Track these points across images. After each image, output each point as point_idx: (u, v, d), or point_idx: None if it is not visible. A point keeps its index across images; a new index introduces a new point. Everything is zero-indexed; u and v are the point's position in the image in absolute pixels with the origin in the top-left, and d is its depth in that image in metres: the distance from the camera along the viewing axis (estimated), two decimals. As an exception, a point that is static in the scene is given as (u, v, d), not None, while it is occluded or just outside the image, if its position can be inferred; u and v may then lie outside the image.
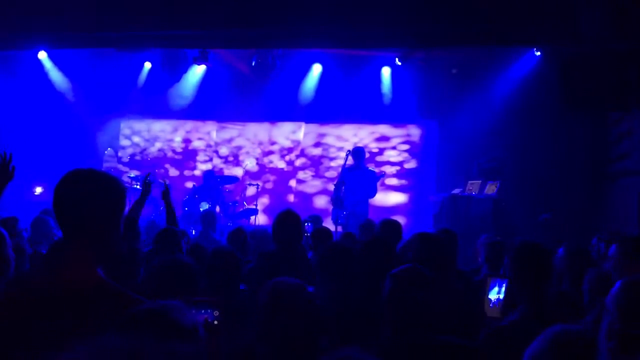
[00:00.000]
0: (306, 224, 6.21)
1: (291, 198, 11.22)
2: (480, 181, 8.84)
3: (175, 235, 4.22)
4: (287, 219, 4.25)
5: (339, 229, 8.34)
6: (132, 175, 9.84)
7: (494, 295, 3.31)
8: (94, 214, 1.78)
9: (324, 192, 10.91)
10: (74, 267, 1.78)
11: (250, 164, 11.11)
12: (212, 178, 9.98)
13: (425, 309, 2.37)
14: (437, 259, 3.43)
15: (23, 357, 1.67)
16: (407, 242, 3.72)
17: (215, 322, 2.46)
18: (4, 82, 9.72)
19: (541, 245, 2.74)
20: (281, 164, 11.45)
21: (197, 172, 11.39)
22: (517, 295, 2.66)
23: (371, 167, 9.65)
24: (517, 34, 7.41)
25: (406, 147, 11.11)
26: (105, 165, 10.68)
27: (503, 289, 3.27)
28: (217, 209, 9.52)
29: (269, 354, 2.22)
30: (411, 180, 10.94)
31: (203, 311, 2.47)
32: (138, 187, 9.67)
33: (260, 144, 11.58)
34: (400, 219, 10.13)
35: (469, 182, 9.00)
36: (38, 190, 10.03)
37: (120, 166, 11.02)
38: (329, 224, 7.96)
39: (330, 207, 9.11)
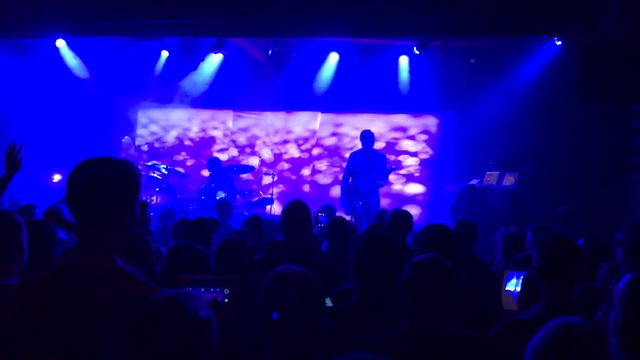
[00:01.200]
0: (320, 214, 6.16)
1: (306, 188, 11.21)
2: (498, 172, 8.77)
3: (206, 225, 4.24)
4: (295, 210, 4.23)
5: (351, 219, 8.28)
6: (149, 163, 9.89)
7: (511, 287, 3.27)
8: (108, 201, 1.77)
9: (339, 182, 10.89)
10: (90, 255, 1.77)
11: (266, 153, 11.11)
12: (218, 165, 9.99)
13: (443, 300, 2.35)
14: (448, 250, 3.40)
15: (42, 346, 1.67)
16: (417, 233, 3.67)
17: (226, 301, 2.47)
18: (24, 70, 9.80)
19: (571, 239, 2.69)
20: (297, 154, 11.44)
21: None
22: (541, 288, 2.61)
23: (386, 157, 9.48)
24: (538, 23, 7.31)
25: (424, 137, 11.04)
26: (123, 153, 10.74)
27: (520, 281, 3.24)
28: (238, 197, 9.54)
29: (270, 340, 2.24)
30: (428, 171, 10.87)
31: (212, 289, 2.48)
32: (156, 175, 9.75)
33: (276, 133, 11.57)
34: (417, 210, 10.19)
35: (487, 173, 8.92)
36: (56, 177, 10.12)
37: (138, 155, 11.07)
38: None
39: (340, 197, 8.99)
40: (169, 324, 1.41)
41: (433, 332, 2.32)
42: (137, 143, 11.12)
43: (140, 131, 11.73)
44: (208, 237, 4.35)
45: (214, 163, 10.05)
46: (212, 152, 11.53)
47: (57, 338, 1.67)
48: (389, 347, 2.21)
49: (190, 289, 2.41)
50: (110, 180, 1.77)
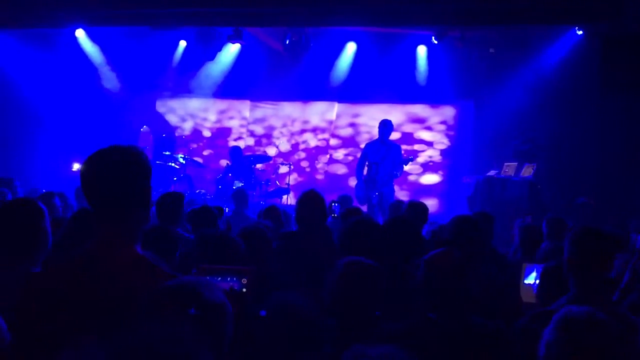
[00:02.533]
0: (333, 204, 6.14)
1: (321, 177, 11.21)
2: (516, 163, 8.69)
3: (211, 213, 4.26)
4: (309, 200, 4.23)
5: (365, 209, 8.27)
6: (166, 153, 9.94)
7: (530, 280, 3.26)
8: (119, 189, 1.79)
9: (354, 172, 10.88)
10: (108, 243, 1.80)
11: (283, 143, 11.12)
12: (239, 154, 10.00)
13: (459, 293, 2.35)
14: (474, 241, 3.40)
15: (62, 332, 1.69)
16: (445, 225, 3.68)
17: (243, 290, 2.50)
18: (44, 59, 9.88)
19: (604, 231, 2.66)
20: (313, 144, 11.44)
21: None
22: (570, 280, 2.59)
23: (403, 150, 9.41)
24: (559, 12, 7.20)
25: (441, 127, 10.98)
26: (141, 142, 10.82)
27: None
28: (252, 192, 9.54)
29: (337, 324, 2.41)
30: (445, 161, 10.82)
31: (229, 279, 2.52)
32: (174, 165, 9.80)
33: (293, 123, 11.57)
34: (433, 201, 10.15)
35: (505, 164, 8.85)
36: (75, 166, 10.22)
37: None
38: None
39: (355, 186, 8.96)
40: (183, 308, 1.44)
41: (457, 324, 2.33)
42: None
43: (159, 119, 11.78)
44: (214, 224, 4.38)
45: (235, 152, 10.05)
46: (228, 142, 11.56)
47: (79, 326, 1.69)
48: (413, 337, 2.22)
49: (208, 277, 2.44)
50: (122, 167, 1.80)
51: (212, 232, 3.53)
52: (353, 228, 3.32)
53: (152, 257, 1.97)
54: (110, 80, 10.62)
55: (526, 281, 3.32)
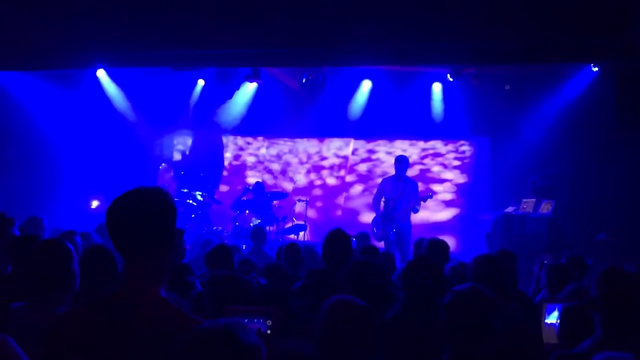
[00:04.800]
0: (352, 238, 6.13)
1: (339, 213, 11.22)
2: (534, 199, 8.65)
3: (228, 252, 4.28)
4: (336, 238, 4.25)
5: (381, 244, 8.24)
6: (184, 190, 10.03)
7: (552, 320, 3.22)
8: (147, 232, 1.80)
9: (371, 208, 10.88)
10: (134, 285, 1.81)
11: (299, 179, 11.18)
12: (262, 190, 10.06)
13: (485, 331, 2.31)
14: (497, 280, 3.37)
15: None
16: (468, 263, 3.65)
17: (268, 332, 2.49)
18: (66, 99, 10.08)
19: (631, 272, 2.64)
20: (330, 180, 11.48)
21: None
22: (596, 320, 2.56)
23: (420, 187, 9.41)
24: (574, 50, 7.23)
25: (457, 163, 10.98)
26: (160, 180, 10.93)
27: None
28: (269, 228, 9.55)
29: None
30: (462, 198, 10.79)
31: (256, 320, 2.50)
32: (192, 202, 9.87)
33: (309, 159, 11.65)
34: (451, 238, 10.08)
35: (523, 200, 8.80)
36: (95, 203, 10.33)
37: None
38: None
39: (371, 224, 8.95)
40: (224, 351, 1.44)
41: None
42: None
43: (176, 157, 11.94)
44: (231, 262, 4.39)
45: (259, 187, 10.08)
46: (246, 178, 11.64)
47: None
48: None
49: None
50: (149, 211, 1.80)
51: (224, 273, 3.53)
52: (355, 268, 3.31)
53: (176, 300, 1.98)
54: (129, 118, 10.79)
55: (547, 320, 3.28)
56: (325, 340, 2.26)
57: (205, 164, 11.38)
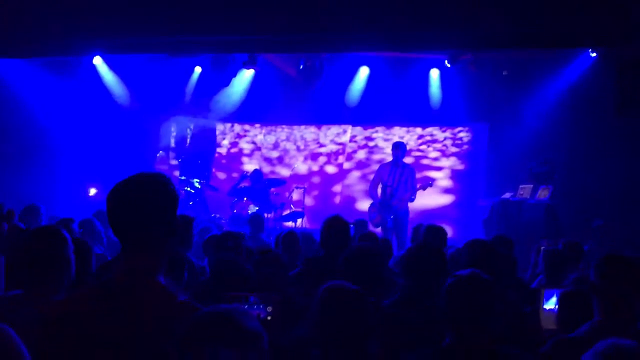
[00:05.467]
0: (350, 225, 6.14)
1: (337, 200, 11.23)
2: (531, 185, 8.65)
3: (235, 238, 4.27)
4: (335, 225, 4.24)
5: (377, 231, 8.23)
6: (182, 178, 10.01)
7: (550, 306, 3.23)
8: (148, 219, 1.79)
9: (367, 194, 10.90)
10: (133, 272, 1.80)
11: (297, 166, 11.17)
12: (260, 177, 10.05)
13: (486, 316, 2.31)
14: (492, 266, 3.37)
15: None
16: (462, 249, 3.66)
17: (268, 318, 2.49)
18: (62, 86, 10.03)
19: (629, 257, 2.64)
20: (327, 167, 11.48)
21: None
22: (595, 306, 2.57)
23: (418, 174, 9.35)
24: (572, 35, 7.21)
25: (455, 149, 10.98)
26: (157, 167, 10.91)
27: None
28: (267, 215, 9.56)
29: (321, 355, 2.23)
30: (459, 185, 10.80)
31: (256, 307, 2.51)
32: (189, 189, 9.86)
33: (307, 147, 11.63)
34: (448, 224, 10.10)
35: (520, 186, 8.81)
36: (92, 191, 10.31)
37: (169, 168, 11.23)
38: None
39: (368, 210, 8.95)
40: (227, 337, 1.44)
41: (479, 350, 2.29)
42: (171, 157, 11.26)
43: (173, 145, 11.90)
44: (238, 250, 4.38)
45: (256, 175, 10.07)
46: (242, 166, 11.64)
47: (101, 354, 1.70)
48: None
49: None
50: (149, 197, 1.79)
51: (228, 258, 3.53)
52: (353, 255, 3.31)
53: (173, 287, 1.98)
54: (126, 105, 10.75)
55: (546, 306, 3.29)
56: (320, 325, 2.26)
57: (202, 151, 11.37)
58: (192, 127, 11.88)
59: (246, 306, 2.50)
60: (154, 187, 1.81)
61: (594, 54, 8.58)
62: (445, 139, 11.07)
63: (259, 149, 11.84)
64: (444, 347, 2.32)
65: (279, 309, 2.52)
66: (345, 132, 11.53)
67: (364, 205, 10.74)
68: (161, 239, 1.82)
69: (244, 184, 10.13)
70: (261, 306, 2.50)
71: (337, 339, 2.18)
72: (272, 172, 11.46)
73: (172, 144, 11.73)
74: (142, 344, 1.70)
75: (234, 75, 10.55)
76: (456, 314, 2.31)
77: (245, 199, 9.77)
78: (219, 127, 11.97)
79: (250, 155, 11.85)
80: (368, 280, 2.82)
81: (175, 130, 11.94)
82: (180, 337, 1.47)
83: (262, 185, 9.91)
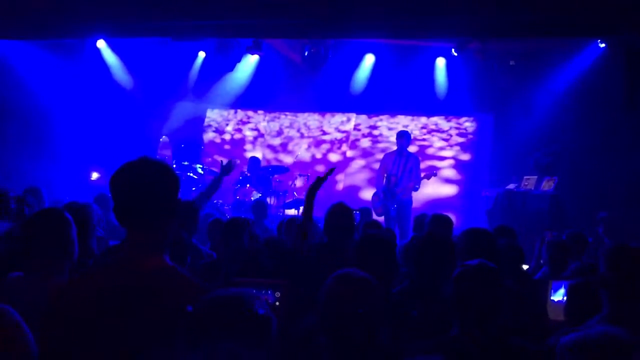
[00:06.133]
0: (354, 212, 6.13)
1: (340, 188, 11.19)
2: (536, 176, 8.61)
3: (241, 226, 4.25)
4: (339, 212, 4.21)
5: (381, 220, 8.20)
6: (185, 163, 9.97)
7: (557, 297, 3.20)
8: (152, 201, 1.81)
9: (371, 183, 10.84)
10: (139, 253, 1.80)
11: (300, 154, 11.12)
12: (257, 165, 10.02)
13: (494, 307, 2.29)
14: (489, 256, 3.33)
15: (94, 342, 1.68)
16: (458, 238, 3.61)
17: (277, 304, 2.49)
18: (65, 70, 9.98)
19: (637, 248, 2.60)
20: (331, 155, 11.43)
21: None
22: (603, 298, 2.53)
23: (422, 164, 9.32)
24: (581, 24, 7.12)
25: (460, 139, 10.92)
26: (160, 152, 10.87)
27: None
28: (269, 200, 9.54)
29: (329, 343, 2.20)
30: (464, 175, 10.75)
31: (264, 292, 2.50)
32: (192, 175, 9.83)
33: (311, 134, 11.58)
34: (452, 213, 10.06)
35: (525, 177, 8.76)
36: (94, 175, 10.28)
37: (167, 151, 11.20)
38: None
39: (372, 199, 8.91)
40: (237, 320, 1.42)
41: (486, 340, 2.27)
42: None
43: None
44: (243, 236, 4.35)
45: (254, 162, 10.06)
46: (245, 153, 11.59)
47: (109, 335, 1.68)
48: (442, 353, 2.17)
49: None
50: (154, 181, 1.82)
51: (245, 247, 3.49)
52: (366, 242, 3.27)
53: (180, 268, 1.96)
54: (130, 89, 10.70)
55: (554, 298, 3.26)
56: (328, 314, 2.21)
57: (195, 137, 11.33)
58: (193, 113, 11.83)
59: (254, 291, 2.48)
60: (159, 170, 1.85)
61: (602, 45, 8.48)
62: (450, 128, 11.00)
63: (262, 135, 11.79)
64: (451, 337, 2.30)
65: (287, 295, 2.50)
66: (349, 120, 11.47)
67: (367, 193, 10.72)
68: (164, 219, 1.85)
69: (247, 173, 10.10)
70: (269, 292, 2.48)
71: (345, 327, 2.15)
72: (275, 159, 11.41)
73: (175, 129, 11.70)
74: (151, 320, 1.68)
75: (238, 60, 10.46)
76: (464, 304, 2.29)
77: (248, 185, 9.73)
78: (223, 113, 11.90)
79: (252, 142, 11.80)
80: (381, 269, 2.78)
81: (178, 115, 11.89)
82: (190, 319, 1.47)
83: (261, 173, 9.88)
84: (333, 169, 4.42)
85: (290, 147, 11.55)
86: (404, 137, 8.60)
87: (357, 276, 2.25)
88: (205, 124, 11.96)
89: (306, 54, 10.10)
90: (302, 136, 11.60)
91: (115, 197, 1.83)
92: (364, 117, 11.42)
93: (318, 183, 3.99)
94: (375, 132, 11.34)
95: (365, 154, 11.29)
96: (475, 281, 2.30)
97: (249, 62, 10.58)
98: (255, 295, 1.53)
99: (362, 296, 2.18)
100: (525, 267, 4.61)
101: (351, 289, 2.20)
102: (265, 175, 9.91)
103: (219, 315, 1.45)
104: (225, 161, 5.62)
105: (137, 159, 1.88)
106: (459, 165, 10.80)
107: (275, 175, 10.17)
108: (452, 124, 11.00)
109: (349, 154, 11.37)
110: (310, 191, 3.95)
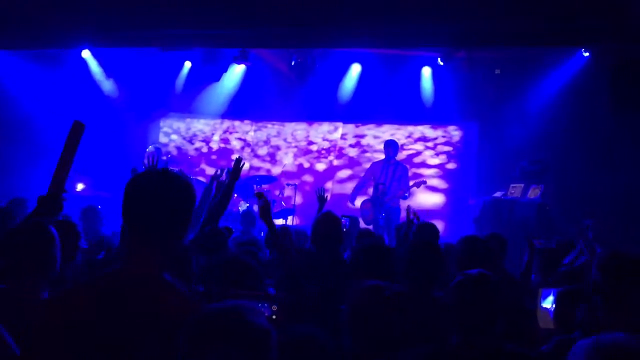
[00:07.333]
0: (343, 218, 6.12)
1: (327, 197, 11.14)
2: (522, 184, 8.65)
3: (222, 235, 4.21)
4: (326, 221, 4.20)
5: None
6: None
7: (547, 304, 3.20)
8: (169, 214, 1.77)
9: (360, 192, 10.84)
10: (140, 265, 1.76)
11: (288, 163, 11.10)
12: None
13: (493, 315, 2.30)
14: (485, 263, 3.34)
15: (89, 356, 1.65)
16: (455, 245, 3.63)
17: (274, 317, 2.46)
18: (51, 80, 9.90)
19: (631, 256, 2.61)
20: (318, 164, 11.41)
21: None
22: (598, 305, 2.53)
23: (410, 173, 9.35)
24: (566, 33, 7.19)
25: (446, 148, 10.95)
26: (146, 162, 10.78)
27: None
28: (255, 208, 9.49)
29: (355, 349, 2.25)
30: (451, 183, 10.77)
31: (260, 305, 2.47)
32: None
33: (298, 144, 11.56)
34: (439, 222, 10.08)
35: (511, 185, 8.80)
36: (80, 186, 10.17)
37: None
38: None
39: (360, 208, 8.91)
40: (234, 334, 1.39)
41: (486, 348, 2.26)
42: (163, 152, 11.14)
43: (162, 140, 11.80)
44: (224, 245, 4.33)
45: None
46: (232, 162, 11.53)
47: (105, 349, 1.65)
48: None
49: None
50: (173, 194, 1.78)
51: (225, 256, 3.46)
52: (367, 251, 3.27)
53: (178, 283, 1.93)
54: (115, 100, 10.63)
55: (543, 305, 3.26)
56: (357, 322, 2.29)
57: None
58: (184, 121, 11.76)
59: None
60: (177, 182, 1.80)
61: (586, 54, 8.58)
62: (436, 137, 11.04)
63: (249, 145, 11.75)
64: (452, 346, 2.29)
65: (284, 307, 2.47)
66: (336, 129, 11.47)
67: (355, 202, 10.70)
68: (175, 236, 1.80)
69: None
70: (266, 304, 2.45)
71: (374, 337, 2.26)
72: (262, 169, 11.38)
73: (161, 140, 11.63)
74: (150, 338, 1.65)
75: (225, 70, 10.44)
76: (464, 313, 2.29)
77: (235, 195, 9.68)
78: (209, 123, 11.86)
79: (239, 151, 11.75)
80: (385, 277, 2.79)
81: (164, 125, 11.83)
82: (187, 333, 1.44)
83: (249, 183, 9.84)
84: (240, 159, 4.48)
85: (278, 156, 11.52)
86: (391, 146, 8.63)
87: (386, 288, 2.35)
88: (191, 134, 11.90)
89: (293, 64, 10.10)
90: (289, 146, 11.57)
91: (129, 205, 1.78)
92: (351, 126, 11.43)
93: (267, 204, 3.98)
94: (363, 142, 11.35)
95: (352, 163, 11.29)
96: (476, 291, 2.31)
97: (236, 72, 10.56)
98: (252, 307, 1.50)
99: (391, 306, 2.31)
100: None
101: (382, 300, 2.30)
102: (252, 185, 9.87)
103: (217, 327, 1.42)
104: (233, 160, 5.17)
105: (159, 170, 1.83)
106: (445, 173, 10.83)
107: (263, 185, 10.13)
108: (439, 132, 11.04)
109: (336, 162, 11.36)
110: (263, 212, 3.97)
